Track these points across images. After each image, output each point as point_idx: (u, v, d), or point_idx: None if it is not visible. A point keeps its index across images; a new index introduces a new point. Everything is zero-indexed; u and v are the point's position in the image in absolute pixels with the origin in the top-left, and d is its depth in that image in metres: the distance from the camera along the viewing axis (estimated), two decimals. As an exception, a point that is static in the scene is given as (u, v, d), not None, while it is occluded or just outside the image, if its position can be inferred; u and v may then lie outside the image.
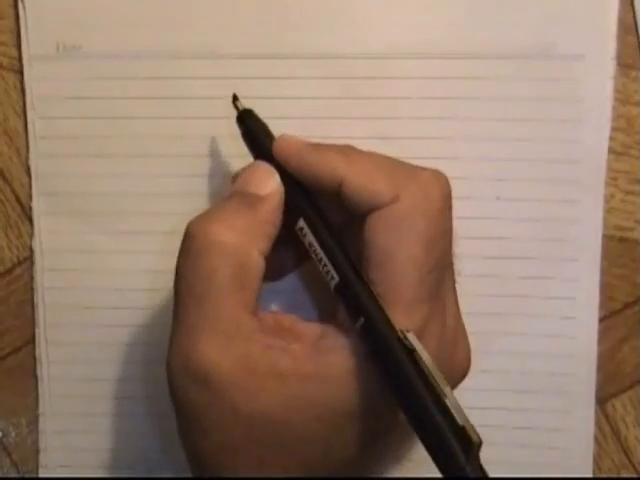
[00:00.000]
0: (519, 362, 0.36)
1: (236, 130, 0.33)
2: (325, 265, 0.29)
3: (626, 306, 0.36)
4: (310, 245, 0.30)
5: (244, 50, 0.36)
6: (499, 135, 0.35)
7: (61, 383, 0.38)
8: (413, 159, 0.34)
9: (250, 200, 0.30)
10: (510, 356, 0.36)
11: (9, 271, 0.38)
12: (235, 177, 0.32)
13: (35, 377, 0.38)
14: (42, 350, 0.38)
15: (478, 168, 0.35)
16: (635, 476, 0.37)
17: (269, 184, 0.31)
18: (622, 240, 0.36)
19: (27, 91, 0.37)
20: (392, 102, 0.35)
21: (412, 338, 0.27)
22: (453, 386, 0.32)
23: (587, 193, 0.35)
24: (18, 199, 0.38)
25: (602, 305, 0.36)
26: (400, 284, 0.29)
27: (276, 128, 0.32)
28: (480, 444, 0.25)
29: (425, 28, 0.35)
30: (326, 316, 0.30)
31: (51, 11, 0.36)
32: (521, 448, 0.37)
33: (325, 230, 0.30)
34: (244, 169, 0.32)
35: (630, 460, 0.37)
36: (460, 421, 0.25)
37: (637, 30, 0.35)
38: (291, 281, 0.36)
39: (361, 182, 0.30)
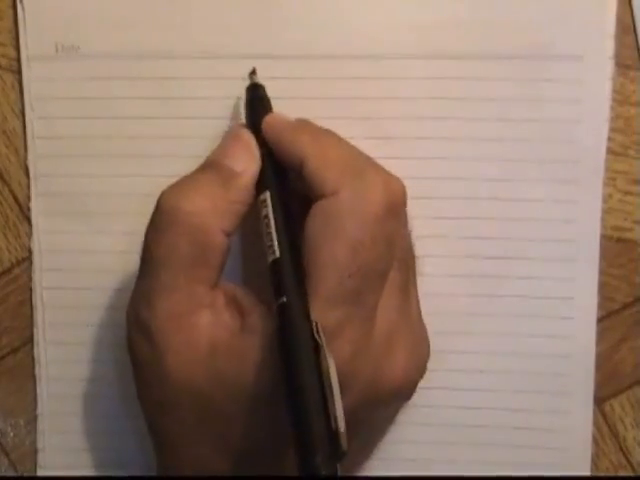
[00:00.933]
0: (517, 362, 0.36)
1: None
2: (271, 239, 0.29)
3: (624, 306, 0.36)
4: (265, 217, 0.30)
5: (244, 50, 0.36)
6: (497, 135, 0.35)
7: (59, 383, 0.38)
8: (413, 159, 0.35)
9: (224, 176, 0.31)
10: (508, 356, 0.36)
11: (7, 271, 0.38)
12: None
13: (33, 377, 0.38)
14: (40, 350, 0.38)
15: (477, 168, 0.35)
16: (634, 476, 0.37)
17: (246, 160, 0.31)
18: (620, 240, 0.36)
19: (25, 91, 0.37)
20: (392, 102, 0.35)
21: (322, 335, 0.26)
22: (380, 399, 0.31)
23: (585, 193, 0.35)
24: (16, 199, 0.38)
25: (600, 305, 0.36)
26: (318, 281, 0.28)
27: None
28: (344, 455, 0.24)
29: (424, 28, 0.35)
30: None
31: (50, 12, 0.36)
32: (519, 448, 0.37)
33: (284, 208, 0.30)
34: (226, 136, 0.33)
35: (628, 460, 0.37)
36: (335, 426, 0.25)
37: (635, 30, 0.35)
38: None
39: (315, 166, 0.30)
